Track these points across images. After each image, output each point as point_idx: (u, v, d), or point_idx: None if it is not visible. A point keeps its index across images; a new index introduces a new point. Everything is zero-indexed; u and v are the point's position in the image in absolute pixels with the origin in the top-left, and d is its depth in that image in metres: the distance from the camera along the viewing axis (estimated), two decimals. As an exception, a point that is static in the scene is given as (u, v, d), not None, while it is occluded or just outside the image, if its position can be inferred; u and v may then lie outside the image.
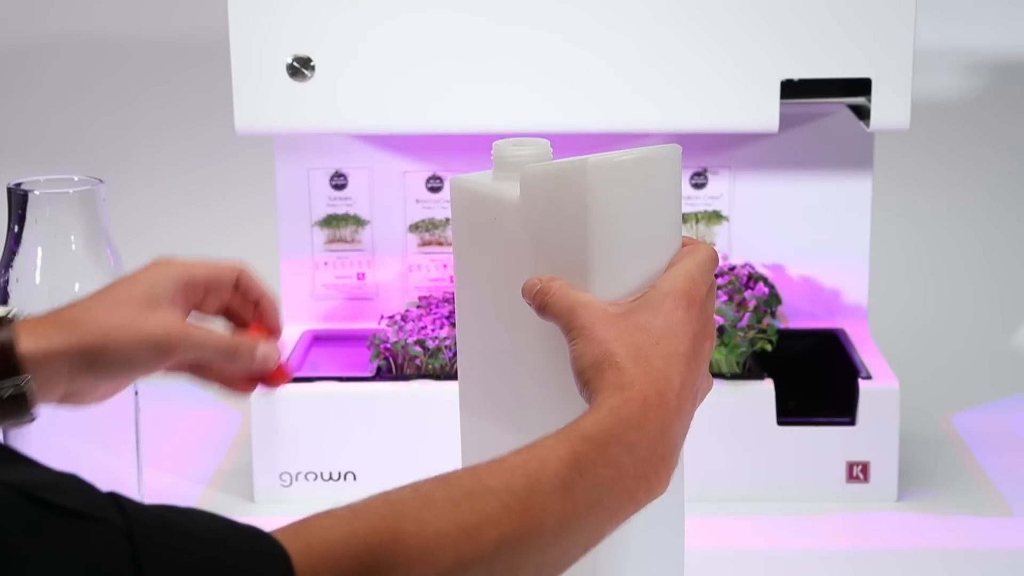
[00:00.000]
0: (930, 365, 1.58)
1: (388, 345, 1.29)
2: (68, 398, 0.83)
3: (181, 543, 0.60)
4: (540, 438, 0.76)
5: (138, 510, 0.60)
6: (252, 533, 0.64)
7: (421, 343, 1.28)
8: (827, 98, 1.26)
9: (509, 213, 0.87)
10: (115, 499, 0.59)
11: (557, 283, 0.84)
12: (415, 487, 0.70)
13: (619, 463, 0.76)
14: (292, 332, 1.39)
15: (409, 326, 1.31)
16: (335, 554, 0.65)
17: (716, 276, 1.29)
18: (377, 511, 0.68)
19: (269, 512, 1.29)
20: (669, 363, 0.80)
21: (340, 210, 1.40)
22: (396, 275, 1.42)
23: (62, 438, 1.18)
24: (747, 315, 1.28)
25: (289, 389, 1.19)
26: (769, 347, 1.30)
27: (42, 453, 1.22)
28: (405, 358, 1.29)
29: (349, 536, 0.66)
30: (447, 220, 1.40)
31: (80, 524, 0.57)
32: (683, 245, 0.87)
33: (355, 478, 1.27)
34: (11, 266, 1.11)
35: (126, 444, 1.23)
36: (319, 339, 1.40)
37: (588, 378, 0.80)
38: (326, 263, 1.41)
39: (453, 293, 1.36)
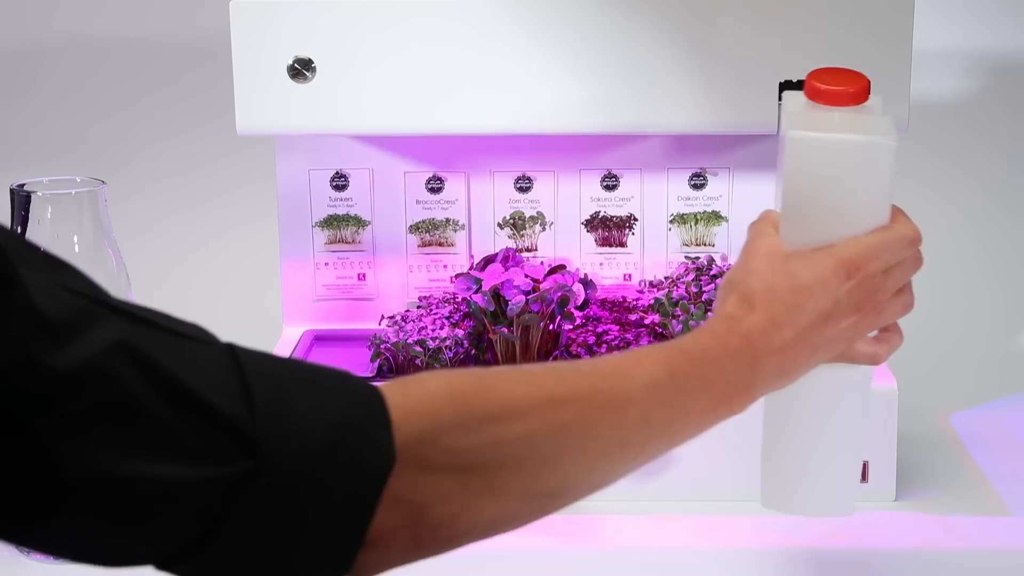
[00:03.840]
0: (928, 365, 1.59)
1: (388, 345, 1.30)
2: None
3: (276, 363, 0.67)
4: (638, 348, 0.83)
5: (243, 349, 0.66)
6: (347, 374, 0.70)
7: (421, 343, 1.29)
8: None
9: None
10: (226, 344, 0.66)
11: (770, 216, 0.93)
12: (514, 365, 0.77)
13: (708, 380, 0.82)
14: (293, 333, 1.39)
15: (409, 326, 1.31)
16: (431, 397, 0.70)
17: (714, 277, 1.30)
18: (476, 371, 0.74)
19: (270, 512, 1.29)
20: (792, 312, 0.86)
21: (341, 211, 1.40)
22: (396, 275, 1.42)
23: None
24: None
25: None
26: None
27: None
28: (405, 358, 1.29)
29: (446, 385, 0.72)
30: (447, 220, 1.40)
31: (192, 342, 0.64)
32: (891, 221, 0.91)
33: (356, 478, 1.27)
34: (13, 267, 1.12)
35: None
36: (320, 339, 1.40)
37: (721, 295, 0.89)
38: (327, 263, 1.41)
39: (453, 293, 1.36)
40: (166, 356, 0.61)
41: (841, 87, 0.96)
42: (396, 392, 0.70)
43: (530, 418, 0.73)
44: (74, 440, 0.59)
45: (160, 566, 0.65)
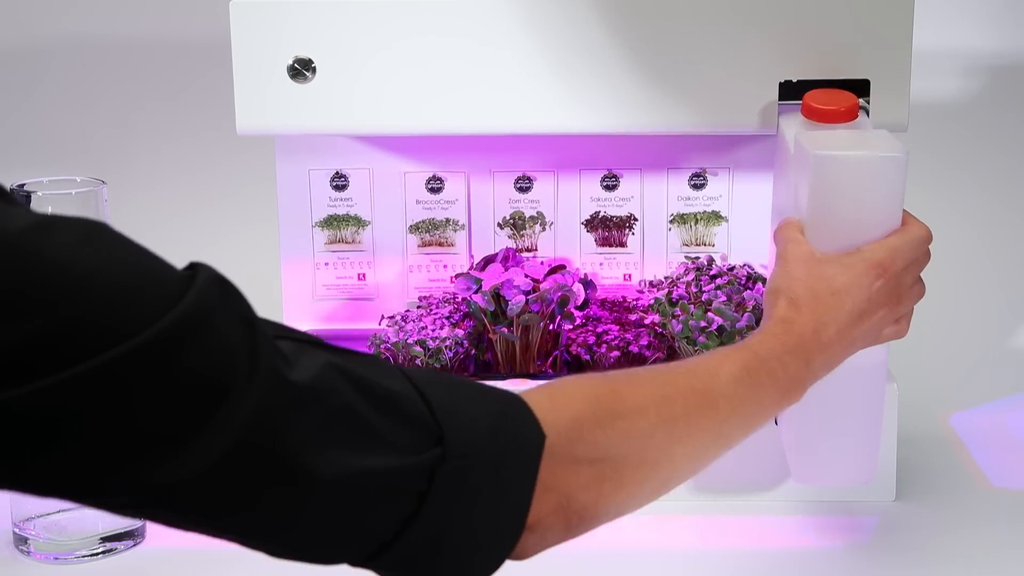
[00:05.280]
0: (928, 365, 1.59)
1: (389, 345, 1.30)
2: None
3: (431, 372, 0.80)
4: (715, 349, 0.98)
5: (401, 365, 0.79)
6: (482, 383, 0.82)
7: (421, 343, 1.29)
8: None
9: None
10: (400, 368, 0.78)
11: (794, 222, 1.07)
12: (619, 371, 0.89)
13: (775, 375, 0.95)
14: (293, 332, 1.39)
15: (409, 326, 1.31)
16: (571, 398, 0.82)
17: (714, 277, 1.30)
18: (604, 375, 0.87)
19: (270, 511, 1.29)
20: (833, 312, 1.00)
21: (341, 211, 1.40)
22: (396, 276, 1.42)
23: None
24: (746, 315, 1.28)
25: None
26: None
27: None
28: (406, 358, 1.30)
29: (582, 388, 0.84)
30: (447, 220, 1.40)
31: (370, 359, 0.77)
32: (903, 223, 1.05)
33: (356, 478, 1.27)
34: (13, 267, 1.12)
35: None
36: (320, 339, 1.40)
37: (770, 300, 1.03)
38: (327, 264, 1.41)
39: (453, 293, 1.36)
40: (363, 371, 0.74)
41: (835, 107, 1.15)
42: (541, 394, 0.82)
43: (649, 414, 0.85)
44: (318, 444, 0.69)
45: (369, 559, 0.75)
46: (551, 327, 1.32)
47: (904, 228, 1.05)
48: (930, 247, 1.06)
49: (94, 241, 0.65)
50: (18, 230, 0.63)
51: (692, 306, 1.28)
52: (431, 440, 0.74)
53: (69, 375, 0.62)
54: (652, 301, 1.31)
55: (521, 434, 0.78)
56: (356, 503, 0.72)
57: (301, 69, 1.26)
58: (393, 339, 1.30)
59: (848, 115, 1.16)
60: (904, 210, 1.05)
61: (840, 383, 1.06)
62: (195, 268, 0.70)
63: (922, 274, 1.07)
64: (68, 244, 0.63)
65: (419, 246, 1.41)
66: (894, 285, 1.03)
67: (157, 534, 1.25)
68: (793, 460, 1.17)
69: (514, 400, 0.80)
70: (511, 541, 0.78)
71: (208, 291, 0.68)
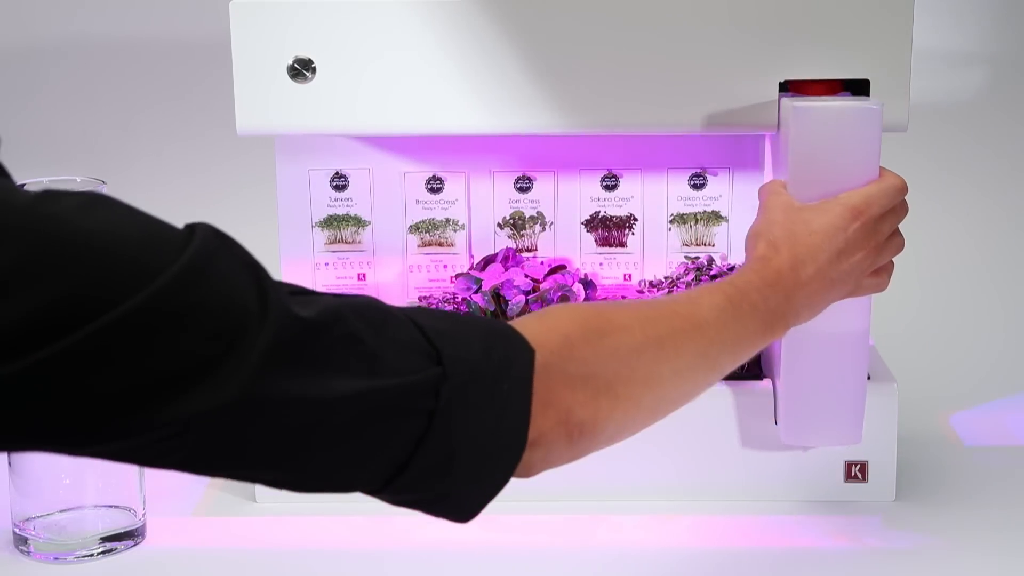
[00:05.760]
0: (928, 365, 1.59)
1: (389, 345, 1.30)
2: None
3: (420, 308, 0.84)
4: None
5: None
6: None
7: (422, 343, 1.29)
8: (826, 99, 1.26)
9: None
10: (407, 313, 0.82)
11: (777, 180, 1.17)
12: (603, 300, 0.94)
13: (756, 306, 1.00)
14: (293, 332, 1.39)
15: (410, 326, 1.31)
16: (560, 321, 0.88)
17: (714, 277, 1.30)
18: (584, 303, 0.97)
19: (271, 512, 1.29)
20: (811, 251, 1.06)
21: (341, 211, 1.40)
22: (396, 276, 1.42)
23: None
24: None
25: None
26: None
27: (44, 453, 1.22)
28: (406, 358, 1.29)
29: (569, 312, 0.91)
30: (447, 220, 1.40)
31: (364, 299, 0.81)
32: (881, 175, 1.12)
33: (356, 478, 1.27)
34: (13, 267, 1.12)
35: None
36: (320, 339, 1.40)
37: (749, 244, 1.10)
38: (327, 264, 1.41)
39: (453, 293, 1.36)
40: (364, 306, 0.79)
41: (820, 85, 1.23)
42: (530, 319, 0.87)
43: (635, 332, 0.90)
44: (331, 369, 0.74)
45: (387, 483, 0.79)
46: (551, 327, 1.32)
47: (880, 178, 1.11)
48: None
49: (97, 205, 0.70)
50: (28, 202, 0.68)
51: (692, 306, 1.28)
52: (431, 361, 0.79)
53: (93, 328, 0.66)
54: (652, 301, 1.31)
55: (512, 351, 0.83)
56: (370, 422, 0.76)
57: (301, 69, 1.26)
58: (393, 339, 1.30)
59: (835, 88, 1.23)
60: (882, 166, 1.12)
61: (825, 349, 1.18)
62: (193, 226, 0.75)
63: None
64: (73, 208, 0.69)
65: (419, 246, 1.41)
66: (871, 229, 1.09)
67: (157, 534, 1.25)
68: (783, 422, 1.23)
69: (500, 323, 0.85)
70: (517, 452, 0.82)
71: (209, 240, 0.73)
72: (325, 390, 0.74)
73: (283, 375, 0.72)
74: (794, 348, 1.19)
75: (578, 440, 0.86)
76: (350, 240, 1.41)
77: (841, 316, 1.15)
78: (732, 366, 0.99)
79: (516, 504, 1.28)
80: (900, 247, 1.13)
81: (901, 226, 1.13)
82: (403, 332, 0.79)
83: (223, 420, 0.71)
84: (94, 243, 0.68)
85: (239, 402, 0.71)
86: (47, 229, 0.67)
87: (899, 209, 1.12)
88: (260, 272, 0.75)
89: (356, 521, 1.26)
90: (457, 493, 0.82)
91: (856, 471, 1.29)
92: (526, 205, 1.40)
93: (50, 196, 0.69)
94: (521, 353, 0.83)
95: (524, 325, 0.86)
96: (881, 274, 1.13)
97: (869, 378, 1.29)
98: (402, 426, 0.78)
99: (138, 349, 0.68)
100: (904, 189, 1.12)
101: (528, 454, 0.83)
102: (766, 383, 1.29)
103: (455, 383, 0.79)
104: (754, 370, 1.31)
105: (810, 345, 1.19)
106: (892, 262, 1.14)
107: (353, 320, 0.77)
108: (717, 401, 1.29)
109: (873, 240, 1.09)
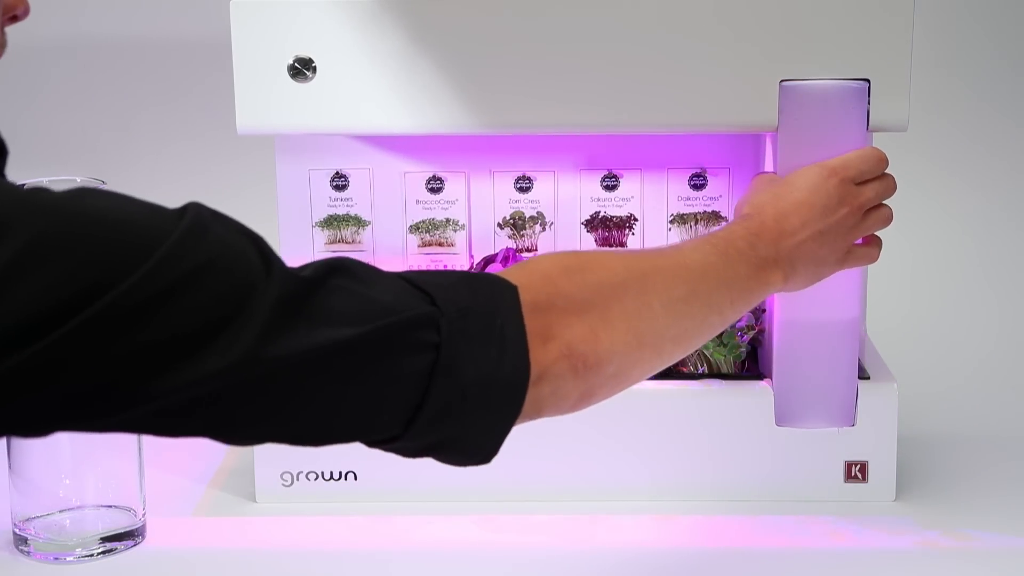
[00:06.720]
0: (928, 365, 1.59)
1: (389, 345, 1.30)
2: None
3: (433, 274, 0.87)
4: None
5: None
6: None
7: (422, 343, 1.29)
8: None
9: None
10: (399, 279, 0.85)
11: (769, 172, 1.23)
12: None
13: (743, 253, 1.04)
14: (293, 332, 1.39)
15: (410, 326, 1.31)
16: (539, 263, 0.92)
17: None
18: (567, 253, 0.97)
19: (271, 512, 1.29)
20: (795, 206, 1.11)
21: (341, 211, 1.40)
22: (397, 275, 1.42)
23: (63, 437, 1.18)
24: (746, 315, 1.28)
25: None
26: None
27: (44, 452, 1.23)
28: (406, 358, 1.29)
29: (548, 258, 0.94)
30: (447, 220, 1.40)
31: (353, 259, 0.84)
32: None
33: (356, 478, 1.27)
34: (14, 267, 1.12)
35: (127, 443, 1.23)
36: (320, 339, 1.40)
37: (736, 212, 1.15)
38: (327, 263, 1.41)
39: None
40: (353, 263, 0.82)
41: None
42: (511, 267, 0.91)
43: (615, 268, 0.93)
44: (336, 318, 0.78)
45: (407, 426, 0.81)
46: (551, 327, 1.32)
47: (860, 148, 1.18)
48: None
49: (86, 194, 0.74)
50: (25, 193, 0.71)
51: (692, 306, 1.28)
52: (425, 301, 0.82)
53: (108, 300, 0.69)
54: (652, 301, 1.31)
55: (495, 289, 0.86)
56: (380, 360, 0.79)
57: (301, 69, 1.26)
58: (393, 339, 1.30)
59: None
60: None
61: (818, 335, 1.23)
62: (184, 205, 0.78)
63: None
64: (66, 196, 0.72)
65: (419, 246, 1.41)
66: (850, 188, 1.14)
67: (157, 534, 1.25)
68: (778, 406, 1.26)
69: (480, 272, 0.89)
70: (522, 384, 0.84)
71: (203, 211, 0.77)
72: (334, 336, 0.77)
73: (293, 327, 0.75)
74: (788, 331, 1.24)
75: (583, 372, 0.88)
76: (350, 240, 1.41)
77: (833, 298, 1.21)
78: (732, 310, 1.01)
79: (516, 504, 1.28)
80: (888, 219, 1.16)
81: (898, 223, 1.14)
82: (394, 283, 0.83)
83: (243, 376, 0.74)
84: (95, 222, 0.71)
85: (256, 357, 0.74)
86: (48, 213, 0.70)
87: (886, 181, 1.16)
88: (256, 236, 0.78)
89: (356, 521, 1.26)
90: (473, 430, 0.84)
91: (856, 471, 1.29)
92: (526, 205, 1.40)
93: (42, 189, 0.73)
94: (505, 291, 0.86)
95: (505, 272, 0.89)
96: (871, 244, 1.17)
97: (869, 378, 1.29)
98: (412, 362, 0.80)
99: (155, 313, 0.71)
100: (883, 160, 1.16)
101: (535, 390, 0.85)
102: (766, 383, 1.29)
103: (452, 318, 0.82)
104: (754, 370, 1.31)
105: (803, 328, 1.24)
106: (880, 237, 1.18)
107: (347, 274, 0.81)
108: (717, 401, 1.29)
109: (855, 199, 1.13)
